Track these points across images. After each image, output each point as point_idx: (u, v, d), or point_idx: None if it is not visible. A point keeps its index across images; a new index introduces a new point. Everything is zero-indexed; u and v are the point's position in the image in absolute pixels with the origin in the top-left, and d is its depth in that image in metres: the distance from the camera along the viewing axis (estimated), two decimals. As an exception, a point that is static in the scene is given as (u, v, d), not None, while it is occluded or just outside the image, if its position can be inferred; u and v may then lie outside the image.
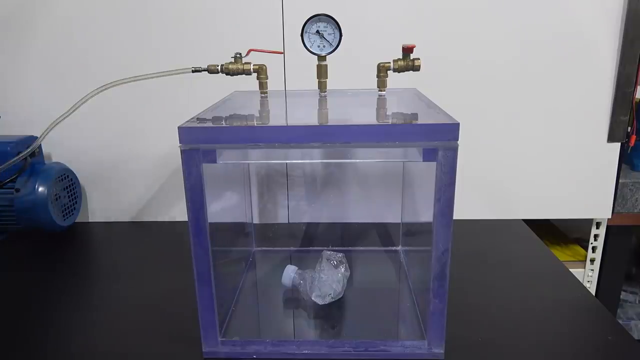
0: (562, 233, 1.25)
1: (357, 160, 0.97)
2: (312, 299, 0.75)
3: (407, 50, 0.75)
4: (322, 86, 0.78)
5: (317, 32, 0.73)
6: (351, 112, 0.77)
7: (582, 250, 1.17)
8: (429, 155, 0.57)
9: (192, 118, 0.62)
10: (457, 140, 0.56)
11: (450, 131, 0.56)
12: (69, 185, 1.06)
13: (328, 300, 0.75)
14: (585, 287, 0.83)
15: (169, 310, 0.77)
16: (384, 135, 0.58)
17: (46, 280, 0.87)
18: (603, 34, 0.99)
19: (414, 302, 0.76)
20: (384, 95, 0.79)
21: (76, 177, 1.08)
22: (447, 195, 0.58)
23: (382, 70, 0.77)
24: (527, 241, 1.01)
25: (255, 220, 1.09)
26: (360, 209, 1.10)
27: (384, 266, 0.93)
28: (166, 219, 1.12)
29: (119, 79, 0.81)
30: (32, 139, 1.01)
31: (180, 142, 0.58)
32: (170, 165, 1.09)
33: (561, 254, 1.16)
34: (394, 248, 0.97)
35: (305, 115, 0.76)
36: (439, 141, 0.57)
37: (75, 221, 1.09)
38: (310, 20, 0.72)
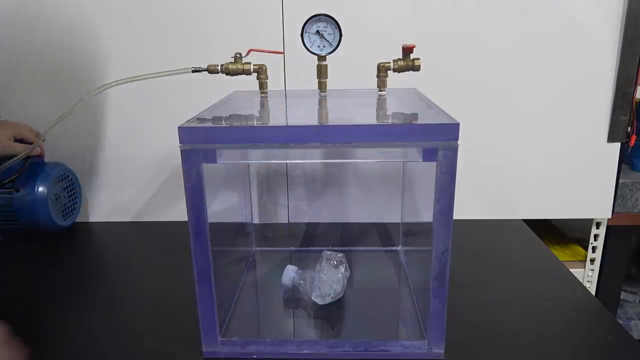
0: (562, 233, 1.25)
1: (357, 160, 0.97)
2: (312, 299, 0.75)
3: (407, 50, 0.75)
4: (322, 86, 0.78)
5: (317, 32, 0.73)
6: (351, 112, 0.77)
7: (582, 250, 1.17)
8: (429, 155, 0.57)
9: (192, 118, 0.62)
10: (457, 140, 0.56)
11: (450, 131, 0.56)
12: (69, 185, 1.06)
13: (328, 300, 0.75)
14: (585, 287, 0.83)
15: (169, 310, 0.77)
16: (384, 135, 0.58)
17: (46, 281, 0.87)
18: (603, 34, 0.99)
19: (414, 302, 0.76)
20: (384, 95, 0.79)
21: (76, 177, 1.08)
22: (447, 195, 0.58)
23: (382, 70, 0.77)
24: (527, 241, 1.01)
25: (255, 220, 1.09)
26: (360, 209, 1.10)
27: (384, 266, 0.93)
28: (166, 219, 1.12)
29: (119, 79, 0.81)
30: (32, 139, 1.01)
31: (180, 142, 0.58)
32: (170, 165, 1.09)
33: (561, 254, 1.16)
34: (394, 248, 0.97)
35: (305, 115, 0.76)
36: (439, 141, 0.57)
37: (75, 221, 1.09)
38: (310, 20, 0.72)
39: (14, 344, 0.42)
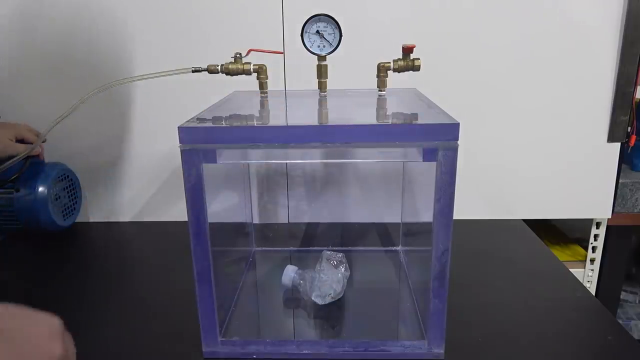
0: (562, 233, 1.25)
1: (357, 160, 0.97)
2: (312, 299, 0.75)
3: (407, 50, 0.75)
4: (322, 86, 0.78)
5: (317, 32, 0.73)
6: (351, 112, 0.77)
7: (582, 250, 1.17)
8: (429, 155, 0.57)
9: (192, 118, 0.62)
10: (457, 140, 0.56)
11: (450, 131, 0.56)
12: (69, 185, 1.06)
13: (328, 300, 0.75)
14: (585, 287, 0.83)
15: (169, 310, 0.77)
16: (384, 135, 0.58)
17: (46, 281, 0.87)
18: (603, 34, 0.99)
19: (414, 302, 0.76)
20: (384, 95, 0.79)
21: (76, 177, 1.08)
22: (447, 195, 0.58)
23: (382, 70, 0.77)
24: (527, 241, 1.01)
25: (255, 220, 1.09)
26: (360, 209, 1.10)
27: (384, 266, 0.93)
28: (166, 219, 1.12)
29: (119, 79, 0.81)
30: (32, 139, 1.01)
31: (180, 142, 0.58)
32: (170, 165, 1.09)
33: (561, 254, 1.16)
34: (394, 248, 0.97)
35: (305, 115, 0.77)
36: (439, 141, 0.57)
37: (75, 221, 1.09)
38: (310, 20, 0.72)
39: (67, 339, 0.43)
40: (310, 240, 1.05)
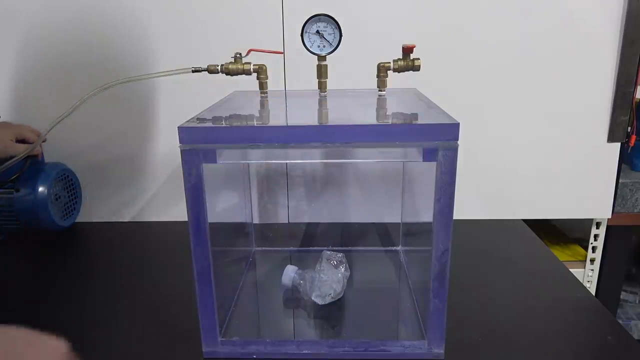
0: (562, 233, 1.25)
1: (357, 160, 0.97)
2: (312, 299, 0.75)
3: (407, 50, 0.75)
4: (322, 86, 0.78)
5: (317, 32, 0.73)
6: (351, 112, 0.77)
7: (582, 250, 1.17)
8: (429, 155, 0.57)
9: (192, 118, 0.62)
10: (457, 140, 0.56)
11: (450, 131, 0.56)
12: (69, 185, 1.06)
13: (328, 300, 0.75)
14: (585, 287, 0.83)
15: (169, 310, 0.77)
16: (384, 135, 0.58)
17: (46, 281, 0.87)
18: (603, 34, 0.99)
19: (414, 302, 0.76)
20: (384, 95, 0.79)
21: (76, 177, 1.08)
22: (447, 195, 0.58)
23: (382, 70, 0.77)
24: (527, 241, 1.01)
25: (255, 220, 1.09)
26: (360, 209, 1.10)
27: (384, 266, 0.93)
28: (166, 219, 1.12)
29: (119, 79, 0.81)
30: (32, 139, 1.01)
31: (180, 142, 0.58)
32: (170, 165, 1.09)
33: (561, 254, 1.16)
34: (394, 248, 0.97)
35: (305, 115, 0.77)
36: (439, 141, 0.57)
37: (76, 221, 1.09)
38: (310, 20, 0.72)
39: None
40: (310, 240, 1.05)
